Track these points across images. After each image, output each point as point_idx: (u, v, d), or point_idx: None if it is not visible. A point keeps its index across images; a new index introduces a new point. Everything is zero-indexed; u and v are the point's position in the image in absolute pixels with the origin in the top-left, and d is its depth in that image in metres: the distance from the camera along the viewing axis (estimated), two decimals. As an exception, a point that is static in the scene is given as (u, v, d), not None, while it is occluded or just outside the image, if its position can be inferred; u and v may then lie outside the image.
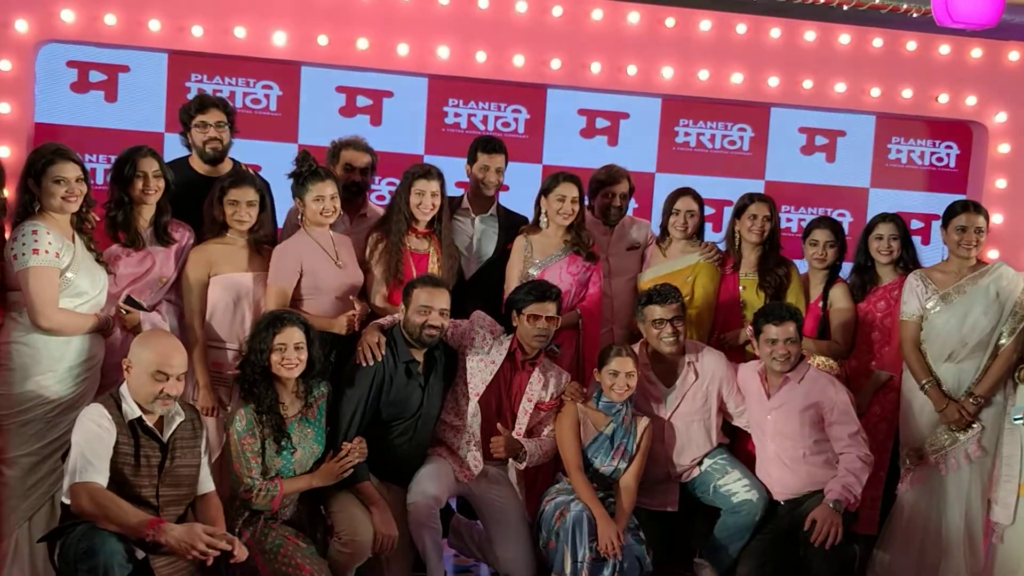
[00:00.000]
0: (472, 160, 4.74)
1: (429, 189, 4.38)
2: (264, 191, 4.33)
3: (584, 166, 5.66)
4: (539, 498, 4.26)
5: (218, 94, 5.33)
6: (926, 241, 6.16)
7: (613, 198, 4.85)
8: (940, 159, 6.29)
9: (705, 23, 5.55)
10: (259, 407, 3.76)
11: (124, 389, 3.42)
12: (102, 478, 3.25)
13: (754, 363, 4.39)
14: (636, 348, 4.37)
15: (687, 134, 5.96)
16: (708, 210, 5.03)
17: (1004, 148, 5.92)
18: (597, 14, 5.43)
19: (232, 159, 4.59)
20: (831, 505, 4.06)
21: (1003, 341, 4.33)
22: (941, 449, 4.38)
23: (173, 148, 4.92)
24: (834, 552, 4.02)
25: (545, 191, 4.62)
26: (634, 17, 5.47)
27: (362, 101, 5.66)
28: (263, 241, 4.28)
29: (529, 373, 4.23)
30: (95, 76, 5.29)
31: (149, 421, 3.41)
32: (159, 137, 5.30)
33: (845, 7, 5.94)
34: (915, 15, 5.96)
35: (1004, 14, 5.71)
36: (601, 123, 5.89)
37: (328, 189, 4.22)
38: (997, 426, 4.31)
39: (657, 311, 4.29)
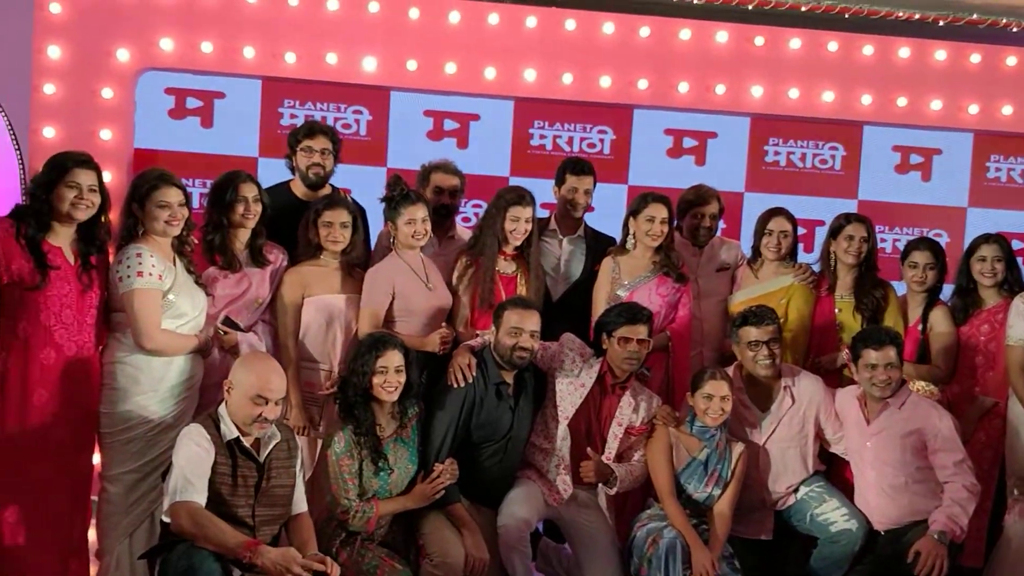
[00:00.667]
0: (560, 182, 4.73)
1: (524, 215, 4.39)
2: (357, 214, 4.38)
3: (671, 186, 5.62)
4: (630, 524, 4.20)
5: (310, 119, 5.45)
6: (1026, 260, 5.95)
7: (703, 219, 4.78)
8: (1045, 178, 6.08)
9: (795, 41, 5.48)
10: (357, 429, 3.79)
11: (223, 410, 3.48)
12: (201, 498, 3.32)
13: (852, 388, 4.27)
14: (730, 371, 4.29)
15: (777, 153, 5.86)
16: (800, 230, 4.93)
17: (1111, 165, 5.70)
18: (685, 34, 5.41)
19: (331, 185, 4.67)
20: (936, 536, 3.92)
21: None
22: None
23: (266, 172, 5.03)
24: None
25: (634, 212, 4.59)
26: (722, 36, 5.43)
27: (449, 125, 5.70)
28: (355, 264, 4.34)
29: (619, 397, 4.19)
30: (192, 103, 5.43)
31: (246, 442, 3.46)
32: (253, 162, 5.41)
33: (941, 23, 5.83)
34: (1015, 29, 5.81)
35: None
36: (689, 143, 5.83)
37: (419, 212, 4.26)
38: None
39: (753, 333, 4.21)
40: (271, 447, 3.52)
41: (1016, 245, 5.84)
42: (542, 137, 5.80)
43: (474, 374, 4.06)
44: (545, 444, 4.19)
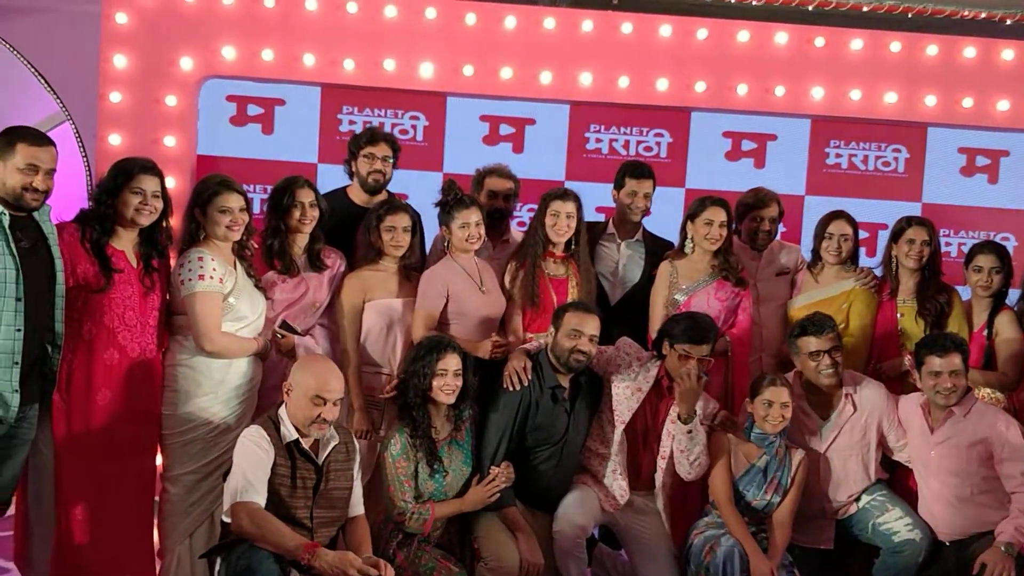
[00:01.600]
0: (619, 185, 4.71)
1: (564, 210, 4.37)
2: (416, 219, 4.41)
3: (729, 189, 5.55)
4: (687, 531, 4.15)
5: (368, 125, 5.50)
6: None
7: (762, 222, 4.72)
8: (1116, 178, 5.88)
9: (856, 42, 5.39)
10: (414, 431, 3.82)
11: (283, 412, 3.53)
12: (261, 499, 3.36)
13: (916, 395, 4.17)
14: (790, 377, 4.22)
15: (838, 155, 5.76)
16: (862, 234, 4.83)
17: None
18: (743, 36, 5.35)
19: (387, 191, 4.71)
20: (1003, 549, 3.82)
21: None
22: None
23: (326, 178, 5.09)
24: None
25: (692, 215, 4.54)
26: (782, 38, 5.36)
27: (505, 129, 5.71)
28: (412, 268, 4.36)
29: (675, 397, 4.15)
30: (253, 110, 5.52)
31: (305, 444, 3.50)
32: (312, 168, 5.47)
33: (1008, 21, 5.70)
34: (1086, 27, 5.65)
35: None
36: (747, 145, 5.76)
37: (473, 216, 4.28)
38: None
39: (813, 343, 4.13)
40: (330, 449, 3.55)
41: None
42: (598, 141, 5.77)
43: (529, 377, 4.05)
44: (601, 449, 4.17)
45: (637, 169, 4.71)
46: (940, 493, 4.03)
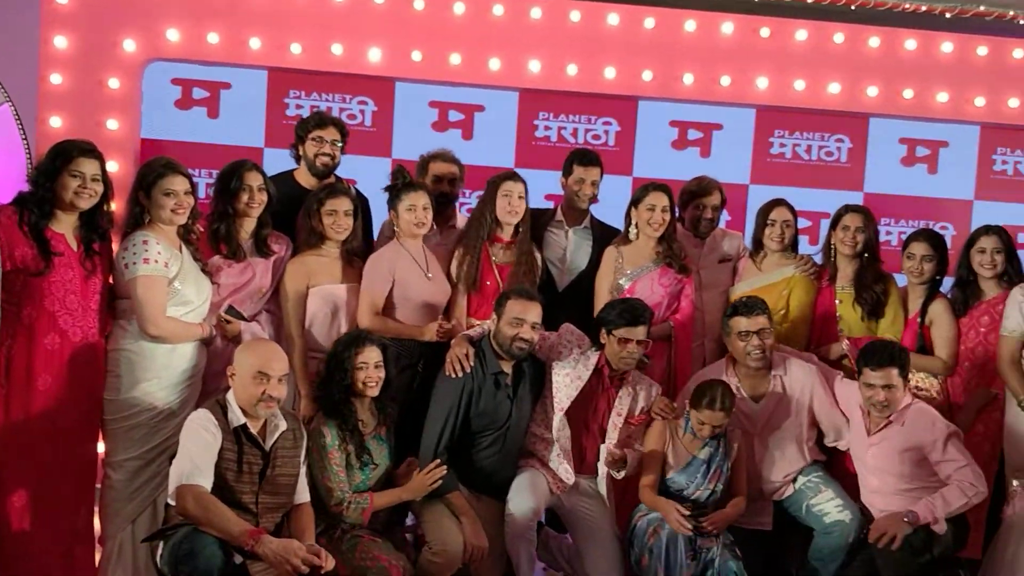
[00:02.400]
0: (568, 173, 4.74)
1: (516, 191, 4.42)
2: (358, 203, 4.40)
3: (676, 178, 5.61)
4: (630, 513, 4.21)
5: (315, 110, 5.47)
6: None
7: (704, 210, 4.79)
8: (1050, 171, 6.05)
9: (801, 33, 5.45)
10: (344, 424, 3.82)
11: (230, 396, 3.52)
12: (207, 482, 3.35)
13: (855, 387, 4.23)
14: (723, 362, 4.28)
15: (782, 145, 5.85)
16: (804, 222, 4.93)
17: (1120, 158, 5.67)
18: (690, 25, 5.39)
19: (335, 175, 4.70)
20: (905, 517, 3.93)
21: None
22: None
23: (272, 162, 5.04)
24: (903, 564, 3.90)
25: (635, 201, 4.60)
26: (728, 27, 5.41)
27: (454, 115, 5.71)
28: (355, 253, 4.35)
29: (617, 388, 4.20)
30: (198, 93, 5.46)
31: (253, 429, 3.49)
32: (259, 152, 5.44)
33: (948, 15, 5.79)
34: (1022, 22, 5.77)
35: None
36: (694, 134, 5.82)
37: (420, 200, 4.29)
38: None
39: (743, 323, 4.21)
40: (277, 435, 3.54)
41: (1021, 238, 5.85)
42: (547, 128, 5.80)
43: (472, 364, 4.07)
44: (546, 433, 4.20)
45: (585, 156, 4.74)
46: (878, 488, 4.12)
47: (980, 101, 5.57)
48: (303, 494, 3.66)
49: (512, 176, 4.46)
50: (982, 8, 5.76)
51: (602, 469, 4.19)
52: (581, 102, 5.68)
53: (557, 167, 4.90)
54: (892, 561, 3.93)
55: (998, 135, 5.91)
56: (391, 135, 5.62)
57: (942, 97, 5.55)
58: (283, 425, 3.57)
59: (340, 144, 4.61)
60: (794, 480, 4.28)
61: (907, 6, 5.72)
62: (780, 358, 4.33)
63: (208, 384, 4.07)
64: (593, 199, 4.79)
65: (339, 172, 4.78)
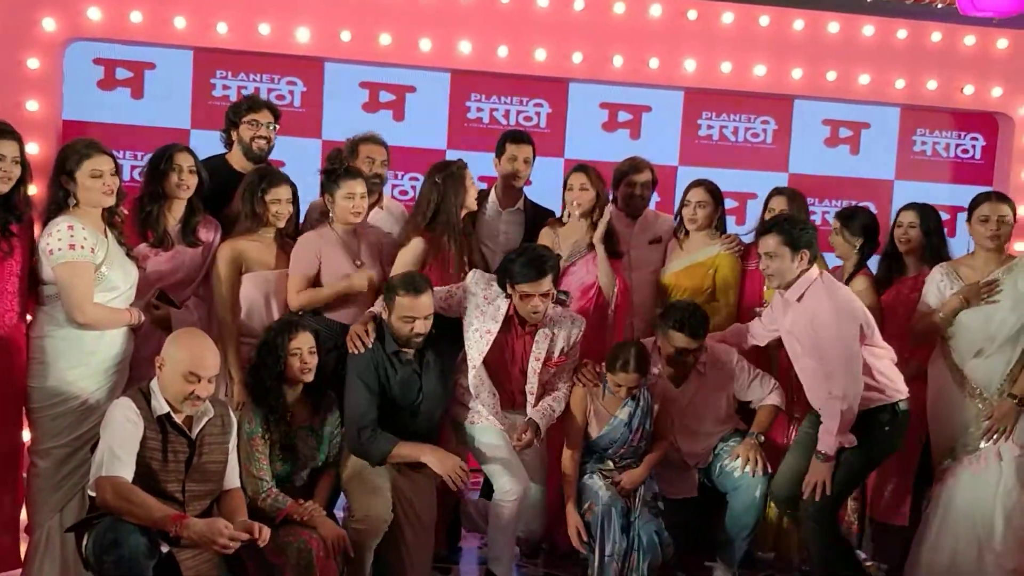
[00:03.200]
0: (500, 152, 4.76)
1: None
2: (295, 189, 4.37)
3: (607, 160, 5.67)
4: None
5: (243, 90, 5.40)
6: (952, 233, 6.10)
7: (635, 187, 4.84)
8: (966, 151, 6.25)
9: (728, 15, 5.53)
10: (270, 412, 3.80)
11: (155, 384, 3.45)
12: (128, 472, 3.29)
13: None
14: (650, 344, 4.37)
15: (710, 127, 5.95)
16: (731, 203, 5.02)
17: (1031, 139, 5.87)
18: (619, 7, 5.43)
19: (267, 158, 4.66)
20: (820, 458, 4.01)
21: None
22: (976, 450, 4.26)
23: (199, 144, 4.95)
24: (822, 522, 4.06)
25: (565, 183, 4.66)
26: (656, 10, 5.46)
27: (385, 96, 5.69)
28: (288, 236, 4.32)
29: (533, 333, 4.18)
30: (121, 73, 5.35)
31: (178, 418, 3.44)
32: (185, 133, 5.35)
33: (869, -1, 5.94)
34: (940, 6, 5.94)
35: (1030, 3, 5.69)
36: (623, 116, 5.89)
37: (359, 187, 4.27)
38: None
39: (681, 340, 4.22)
40: (204, 422, 3.49)
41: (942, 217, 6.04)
42: (479, 110, 5.81)
43: (372, 338, 4.02)
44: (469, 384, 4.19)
45: (517, 135, 4.77)
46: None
47: (900, 83, 5.73)
48: (232, 480, 3.62)
49: (464, 167, 4.45)
50: (902, -8, 5.93)
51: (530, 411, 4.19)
52: (513, 84, 5.70)
53: (489, 149, 4.91)
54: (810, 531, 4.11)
55: (917, 117, 6.09)
56: (321, 116, 5.58)
57: (864, 79, 5.69)
58: (211, 412, 3.52)
59: (274, 127, 4.57)
60: (715, 448, 4.38)
61: (830, -11, 5.84)
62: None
63: (136, 371, 4.01)
64: (526, 180, 4.82)
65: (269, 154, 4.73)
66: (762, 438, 4.27)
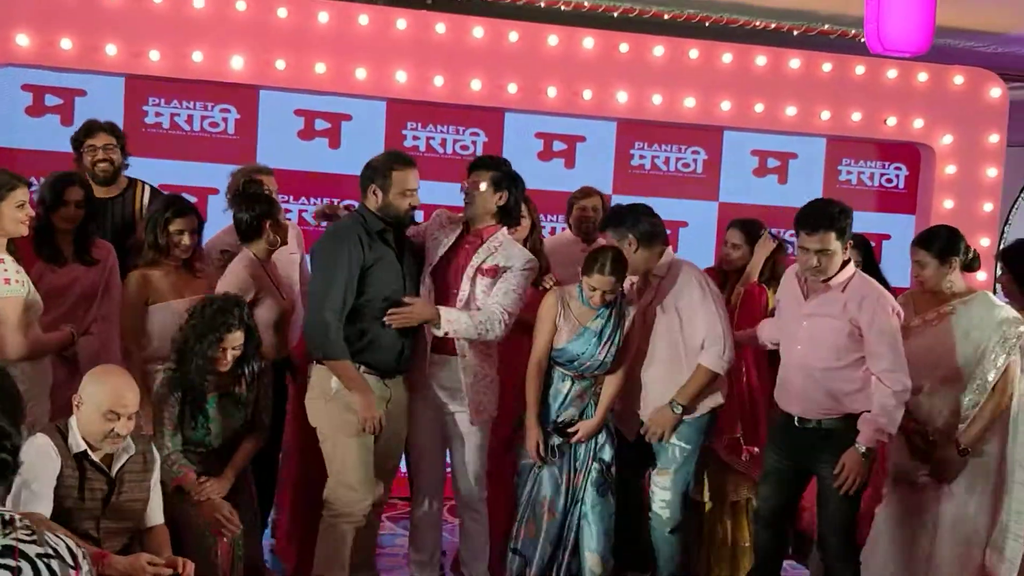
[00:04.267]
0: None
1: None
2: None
3: (542, 188, 5.75)
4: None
5: (175, 118, 5.38)
6: (878, 259, 6.28)
7: (585, 210, 4.93)
8: (890, 180, 6.43)
9: (658, 48, 5.65)
10: (184, 379, 3.79)
11: (73, 421, 3.35)
12: (45, 508, 3.20)
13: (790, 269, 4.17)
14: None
15: (642, 157, 6.05)
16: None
17: (951, 169, 6.08)
18: (552, 40, 5.52)
19: (128, 177, 4.63)
20: (862, 452, 3.79)
21: None
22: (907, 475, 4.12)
23: (131, 171, 4.92)
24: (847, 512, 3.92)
25: None
26: (589, 42, 5.56)
27: (320, 124, 5.69)
28: (191, 263, 4.25)
29: (477, 246, 4.12)
30: (51, 100, 5.29)
31: (96, 455, 3.34)
32: (116, 160, 5.29)
33: (795, 32, 6.12)
34: (863, 40, 6.12)
35: (948, 39, 5.93)
36: (558, 146, 5.96)
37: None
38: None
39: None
40: (124, 460, 3.39)
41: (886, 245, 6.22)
42: (415, 139, 5.84)
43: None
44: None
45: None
46: (802, 361, 3.93)
47: (826, 115, 5.90)
48: (156, 516, 3.52)
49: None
50: (826, 27, 6.11)
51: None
52: (449, 113, 5.75)
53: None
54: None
55: (843, 147, 6.27)
56: (256, 143, 5.56)
57: (790, 111, 5.85)
58: (132, 449, 3.41)
59: (117, 147, 4.55)
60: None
61: (757, 24, 6.01)
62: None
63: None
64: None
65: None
66: (679, 409, 4.07)
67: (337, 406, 3.93)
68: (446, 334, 3.97)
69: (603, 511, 4.12)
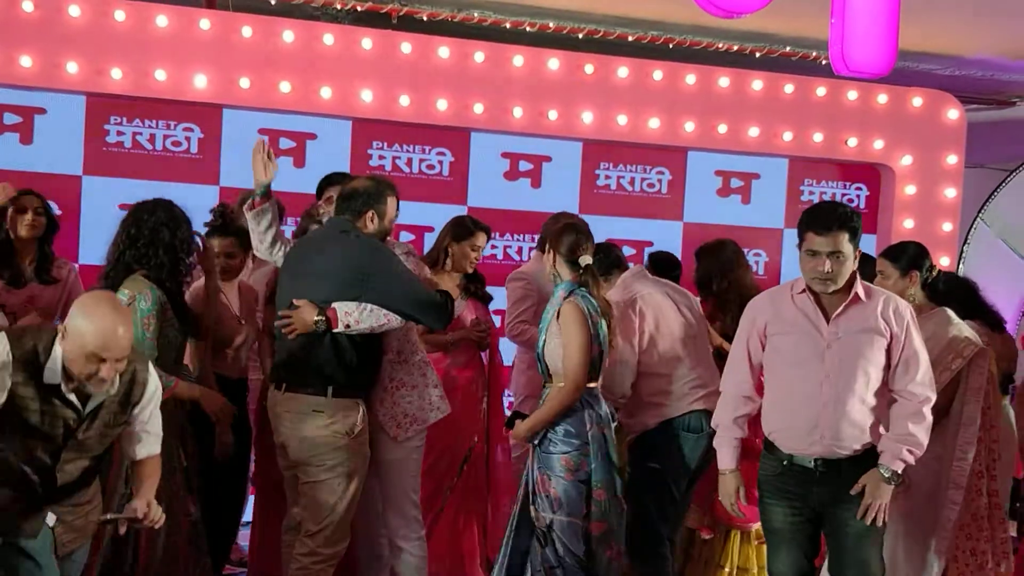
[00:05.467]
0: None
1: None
2: None
3: (508, 208, 5.78)
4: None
5: (137, 136, 5.32)
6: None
7: None
8: (851, 200, 6.50)
9: (623, 69, 5.69)
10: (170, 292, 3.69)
11: (57, 348, 2.87)
12: None
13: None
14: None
15: (608, 177, 6.07)
16: (628, 250, 5.12)
17: (911, 189, 6.18)
18: (518, 60, 5.54)
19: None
20: (886, 476, 3.33)
21: None
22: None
23: (93, 190, 4.87)
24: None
25: (457, 237, 4.53)
26: (554, 63, 5.59)
27: (285, 143, 5.65)
28: None
29: None
30: (10, 118, 5.20)
31: (68, 389, 2.89)
32: (77, 180, 5.22)
33: (758, 54, 6.19)
34: (824, 62, 6.21)
35: (907, 61, 6.02)
36: (524, 166, 5.97)
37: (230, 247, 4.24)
38: None
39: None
40: (102, 400, 2.96)
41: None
42: (381, 158, 5.82)
43: None
44: None
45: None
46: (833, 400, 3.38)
47: (788, 135, 5.97)
48: (146, 448, 3.12)
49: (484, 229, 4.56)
50: (788, 49, 6.19)
51: None
52: (416, 132, 5.73)
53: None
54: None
55: (805, 167, 6.33)
56: (219, 163, 5.51)
57: (753, 132, 5.91)
58: (114, 388, 2.95)
59: None
60: None
61: (720, 46, 6.07)
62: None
63: None
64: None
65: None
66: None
67: (359, 443, 3.69)
68: (347, 327, 3.59)
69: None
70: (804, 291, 3.40)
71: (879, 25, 3.78)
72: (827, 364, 3.35)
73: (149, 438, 3.12)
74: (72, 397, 2.88)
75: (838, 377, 3.34)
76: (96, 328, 2.82)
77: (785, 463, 3.42)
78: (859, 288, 3.36)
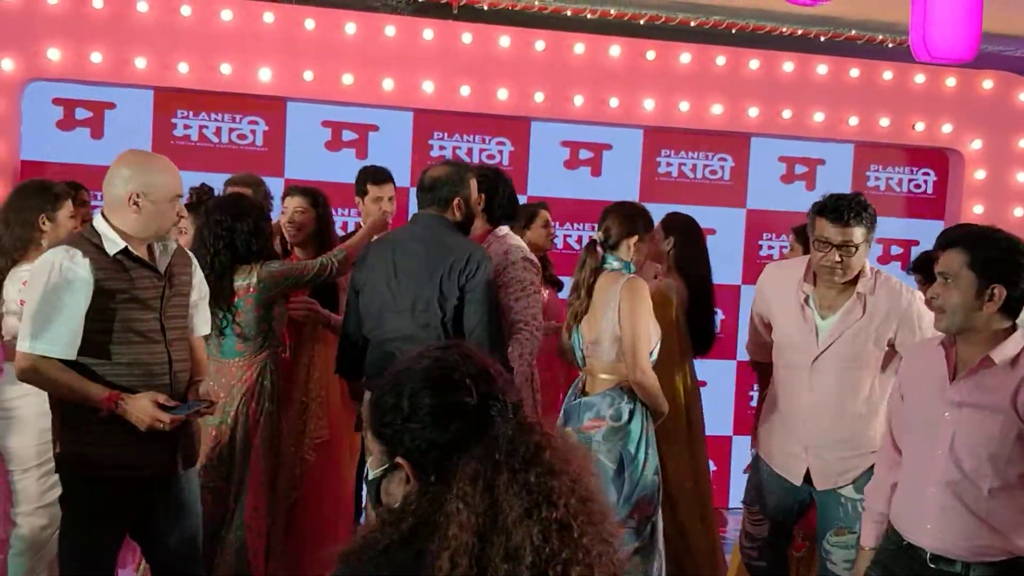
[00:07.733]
0: (363, 193, 4.52)
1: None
2: None
3: (568, 196, 5.76)
4: None
5: (204, 130, 5.40)
6: (904, 267, 6.23)
7: None
8: (918, 185, 6.38)
9: (685, 56, 5.64)
10: None
11: (100, 225, 2.96)
12: (64, 348, 2.87)
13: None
14: None
15: (669, 164, 6.02)
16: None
17: (980, 174, 6.03)
18: (579, 48, 5.52)
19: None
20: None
21: None
22: None
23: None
24: None
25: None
26: (615, 50, 5.55)
27: (348, 135, 5.70)
28: None
29: None
30: (81, 113, 5.32)
31: (140, 252, 2.99)
32: (146, 173, 5.32)
33: (823, 38, 6.08)
34: (890, 45, 6.10)
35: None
36: (585, 154, 5.94)
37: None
38: None
39: None
40: (171, 256, 3.08)
41: (893, 251, 6.18)
42: (442, 148, 5.84)
43: None
44: None
45: (378, 174, 4.55)
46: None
47: (853, 120, 5.86)
48: (203, 320, 3.23)
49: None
50: (854, 32, 6.07)
51: None
52: (475, 122, 5.74)
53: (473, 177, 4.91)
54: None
55: (871, 152, 6.22)
56: (283, 155, 5.57)
57: (818, 117, 5.82)
58: (173, 244, 3.09)
59: None
60: None
61: (784, 30, 5.98)
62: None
63: None
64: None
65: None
66: None
67: None
68: None
69: None
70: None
71: (962, 10, 3.67)
72: (944, 433, 2.71)
73: (204, 309, 3.26)
74: (145, 259, 3.00)
75: (961, 452, 2.68)
76: (170, 172, 3.02)
77: (892, 537, 2.86)
78: (1008, 349, 2.63)
